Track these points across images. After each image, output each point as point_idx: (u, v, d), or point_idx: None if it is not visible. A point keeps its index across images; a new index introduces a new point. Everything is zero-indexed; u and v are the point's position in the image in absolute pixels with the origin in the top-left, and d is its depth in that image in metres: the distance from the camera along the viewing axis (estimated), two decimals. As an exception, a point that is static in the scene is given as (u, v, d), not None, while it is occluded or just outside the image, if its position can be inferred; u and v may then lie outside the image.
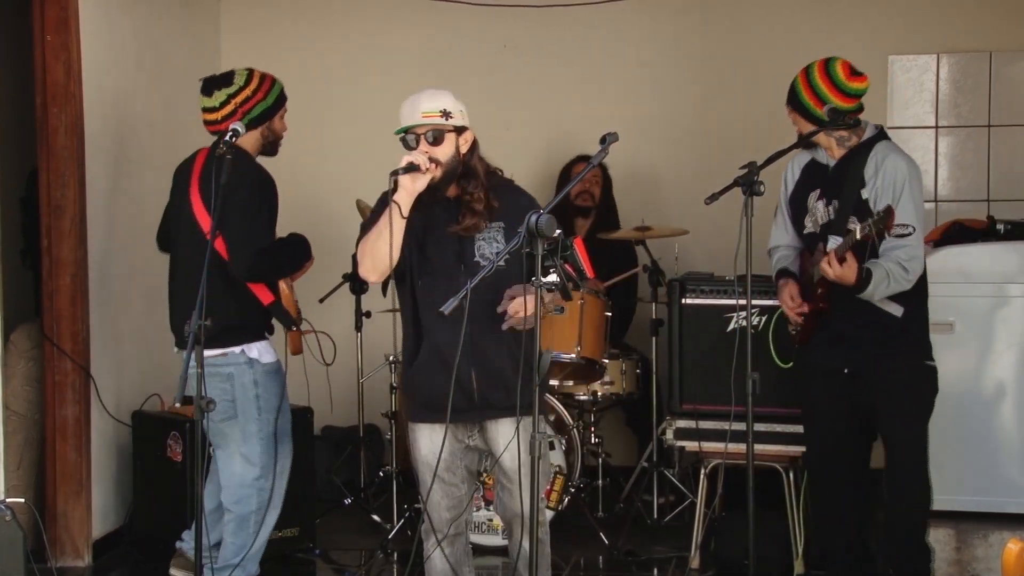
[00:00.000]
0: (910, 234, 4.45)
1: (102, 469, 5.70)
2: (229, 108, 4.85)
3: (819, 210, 4.71)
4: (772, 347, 4.91)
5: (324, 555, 5.75)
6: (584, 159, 6.46)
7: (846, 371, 4.69)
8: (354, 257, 6.00)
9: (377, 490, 6.33)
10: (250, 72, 4.94)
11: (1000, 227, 6.08)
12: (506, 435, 4.02)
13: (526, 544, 3.93)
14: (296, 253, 4.97)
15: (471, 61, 6.97)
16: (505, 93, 6.97)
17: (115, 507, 5.81)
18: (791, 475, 5.30)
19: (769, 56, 6.76)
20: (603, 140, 3.91)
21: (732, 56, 6.83)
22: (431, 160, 3.96)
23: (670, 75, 6.91)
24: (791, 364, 4.94)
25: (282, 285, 4.89)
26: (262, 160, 5.03)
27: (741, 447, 4.53)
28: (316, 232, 6.99)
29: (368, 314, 6.23)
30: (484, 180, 4.06)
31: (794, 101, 4.69)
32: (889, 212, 4.28)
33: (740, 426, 4.50)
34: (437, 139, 3.99)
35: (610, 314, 5.86)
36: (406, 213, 3.93)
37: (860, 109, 4.66)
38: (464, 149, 4.05)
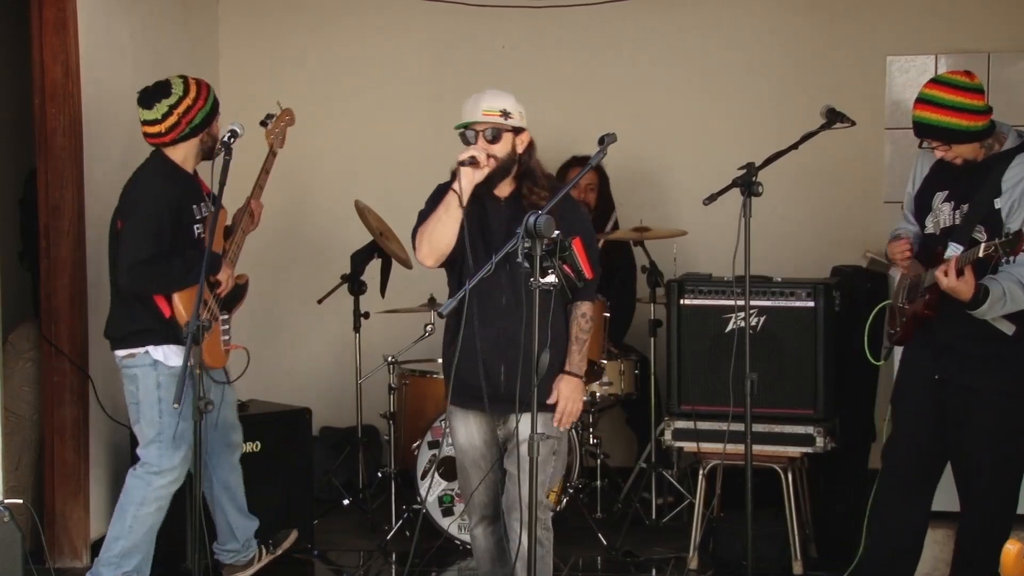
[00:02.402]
0: None
1: (100, 470, 5.69)
2: (172, 119, 4.81)
3: (944, 212, 4.41)
4: (867, 342, 4.74)
5: (322, 556, 5.75)
6: (580, 160, 6.42)
7: (936, 377, 4.45)
8: (354, 257, 6.10)
9: (376, 491, 6.32)
10: (185, 79, 4.89)
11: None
12: (527, 425, 4.04)
13: (524, 540, 3.96)
14: (182, 270, 4.73)
15: (471, 61, 6.96)
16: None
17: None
18: (789, 476, 5.31)
19: (768, 56, 6.77)
20: (601, 141, 3.92)
21: (731, 55, 6.82)
22: (488, 156, 4.13)
23: (669, 75, 6.90)
24: (882, 363, 4.80)
25: (177, 304, 4.73)
26: (202, 164, 4.97)
27: (739, 447, 4.53)
28: (314, 233, 7.06)
29: (366, 315, 6.23)
30: (544, 181, 4.25)
31: (943, 134, 4.29)
32: (1019, 236, 4.00)
33: (738, 427, 4.51)
34: (495, 137, 4.18)
35: (608, 314, 5.86)
36: (465, 202, 4.08)
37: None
38: (520, 149, 4.24)
